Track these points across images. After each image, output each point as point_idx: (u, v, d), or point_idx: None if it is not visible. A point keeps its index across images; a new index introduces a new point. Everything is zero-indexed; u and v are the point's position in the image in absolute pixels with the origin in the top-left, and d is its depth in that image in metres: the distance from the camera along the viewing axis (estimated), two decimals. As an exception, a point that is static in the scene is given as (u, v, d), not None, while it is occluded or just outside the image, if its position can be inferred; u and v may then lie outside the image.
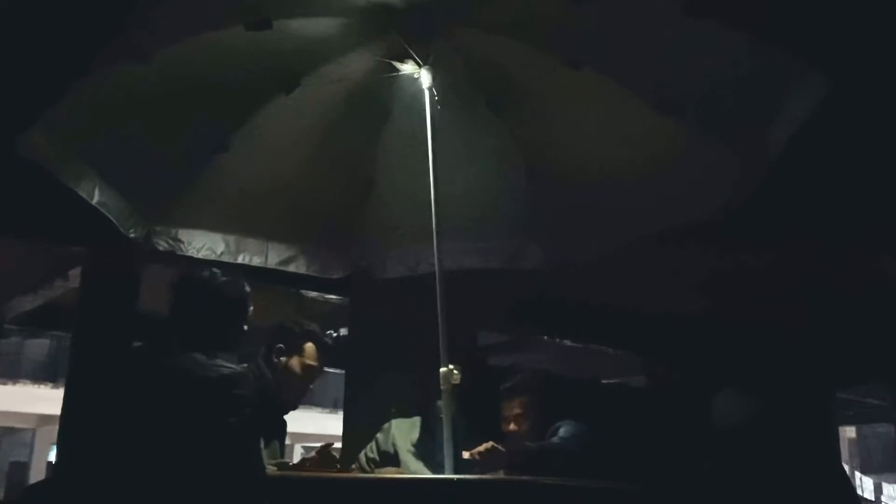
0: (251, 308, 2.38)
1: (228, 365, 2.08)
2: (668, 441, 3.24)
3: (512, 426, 3.14)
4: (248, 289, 2.39)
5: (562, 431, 3.03)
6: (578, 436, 3.00)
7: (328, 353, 3.00)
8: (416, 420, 3.18)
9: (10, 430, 17.14)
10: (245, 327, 2.36)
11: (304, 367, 2.92)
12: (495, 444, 2.70)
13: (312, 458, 2.62)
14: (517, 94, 2.99)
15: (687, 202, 2.88)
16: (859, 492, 15.93)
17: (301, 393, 2.97)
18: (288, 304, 4.37)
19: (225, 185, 3.06)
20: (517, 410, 3.15)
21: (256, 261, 3.20)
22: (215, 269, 2.38)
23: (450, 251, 2.85)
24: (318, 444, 2.76)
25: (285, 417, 3.04)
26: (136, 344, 2.75)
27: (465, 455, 2.61)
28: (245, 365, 2.75)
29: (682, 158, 2.79)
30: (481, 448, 2.66)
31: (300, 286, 4.55)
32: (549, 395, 3.23)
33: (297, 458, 2.96)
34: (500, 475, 2.92)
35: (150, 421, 1.96)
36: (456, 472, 2.48)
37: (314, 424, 14.19)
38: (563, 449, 2.94)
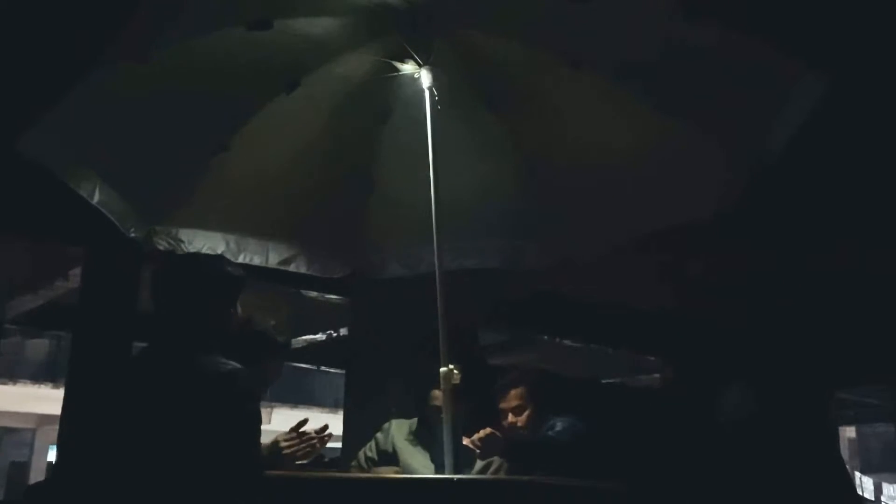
0: (235, 286, 2.22)
1: (227, 361, 2.03)
2: (667, 440, 3.25)
3: (511, 418, 3.17)
4: (228, 267, 2.25)
5: (557, 426, 3.07)
6: (571, 430, 3.03)
7: (277, 352, 2.82)
8: (416, 420, 3.19)
9: (10, 430, 17.12)
10: (231, 307, 2.21)
11: None
12: (493, 431, 2.74)
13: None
14: (517, 94, 2.99)
15: (686, 201, 2.89)
16: (859, 492, 15.92)
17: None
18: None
19: (225, 184, 3.05)
20: (514, 403, 3.18)
21: (257, 260, 3.20)
22: (187, 254, 2.24)
23: (450, 251, 2.86)
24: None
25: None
26: (139, 345, 2.71)
27: (465, 441, 2.64)
28: None
29: (681, 158, 2.80)
30: (480, 434, 2.71)
31: (300, 286, 4.56)
32: (547, 392, 3.26)
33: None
34: (501, 475, 2.94)
35: (150, 420, 1.95)
36: (456, 473, 2.49)
37: (314, 424, 14.05)
38: (554, 441, 2.96)
